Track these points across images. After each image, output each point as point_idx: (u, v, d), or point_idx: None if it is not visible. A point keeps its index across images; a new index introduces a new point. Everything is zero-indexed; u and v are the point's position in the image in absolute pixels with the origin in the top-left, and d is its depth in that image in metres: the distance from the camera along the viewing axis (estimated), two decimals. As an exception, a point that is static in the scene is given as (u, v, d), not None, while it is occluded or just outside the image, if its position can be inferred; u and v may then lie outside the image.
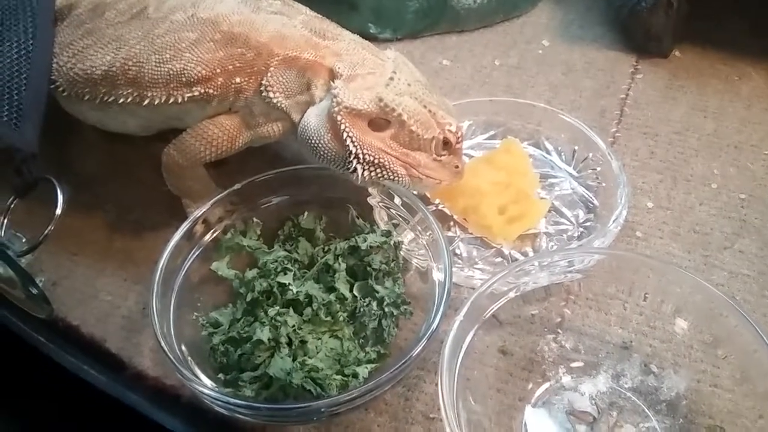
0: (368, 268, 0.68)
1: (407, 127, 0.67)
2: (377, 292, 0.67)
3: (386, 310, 0.66)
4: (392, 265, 0.69)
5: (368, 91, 0.67)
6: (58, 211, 0.65)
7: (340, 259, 0.69)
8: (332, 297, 0.66)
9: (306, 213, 0.74)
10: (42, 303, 0.66)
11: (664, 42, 0.98)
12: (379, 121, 0.68)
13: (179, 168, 0.72)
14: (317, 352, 0.63)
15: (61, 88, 0.75)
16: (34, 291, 0.65)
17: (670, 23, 0.96)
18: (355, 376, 0.62)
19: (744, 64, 0.99)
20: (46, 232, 0.64)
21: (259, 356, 0.62)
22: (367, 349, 0.65)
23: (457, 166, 0.71)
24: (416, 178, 0.70)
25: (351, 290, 0.68)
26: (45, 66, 0.71)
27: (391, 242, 0.69)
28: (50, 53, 0.73)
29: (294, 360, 0.62)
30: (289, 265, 0.69)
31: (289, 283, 0.66)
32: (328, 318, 0.65)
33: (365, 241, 0.69)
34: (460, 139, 0.70)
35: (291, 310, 0.65)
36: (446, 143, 0.69)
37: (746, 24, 1.03)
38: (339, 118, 0.66)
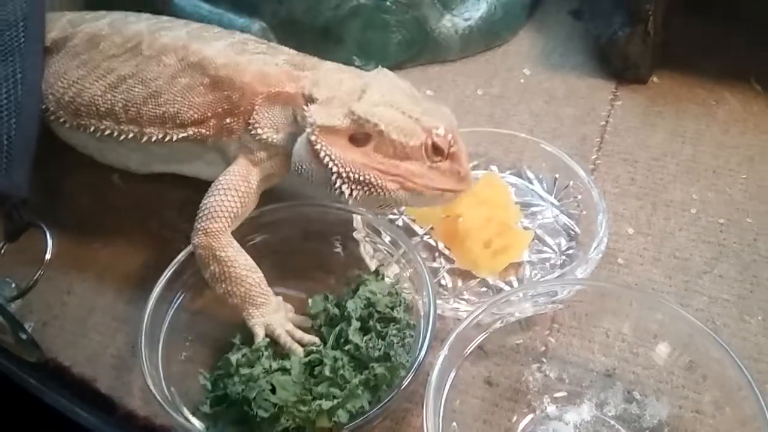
0: (374, 311, 0.68)
1: (387, 135, 0.67)
2: (384, 338, 0.66)
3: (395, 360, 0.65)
4: (397, 309, 0.68)
5: (341, 107, 0.68)
6: (48, 256, 0.66)
7: (352, 317, 0.67)
8: (345, 359, 0.65)
9: (310, 300, 0.71)
10: (31, 348, 0.67)
11: (642, 69, 1.01)
12: (359, 136, 0.68)
13: (214, 247, 0.68)
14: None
15: (62, 119, 0.78)
16: (24, 336, 0.65)
17: (648, 50, 0.98)
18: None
19: (720, 89, 1.01)
20: (35, 277, 0.65)
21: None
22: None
23: (459, 172, 0.70)
24: (414, 191, 0.69)
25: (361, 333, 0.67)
26: (34, 111, 0.72)
27: (396, 290, 0.70)
28: (39, 98, 0.75)
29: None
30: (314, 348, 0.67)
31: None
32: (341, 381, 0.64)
33: (374, 295, 0.68)
34: (452, 143, 0.69)
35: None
36: (437, 148, 0.68)
37: (721, 49, 1.05)
38: (314, 138, 0.67)
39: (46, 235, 0.67)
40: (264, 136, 0.72)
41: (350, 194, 0.68)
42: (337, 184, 0.67)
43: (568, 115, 0.98)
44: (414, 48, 1.06)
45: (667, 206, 0.85)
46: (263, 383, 0.61)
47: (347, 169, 0.67)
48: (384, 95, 0.69)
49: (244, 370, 0.63)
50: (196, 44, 0.75)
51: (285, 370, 0.63)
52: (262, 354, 0.64)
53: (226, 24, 0.97)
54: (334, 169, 0.67)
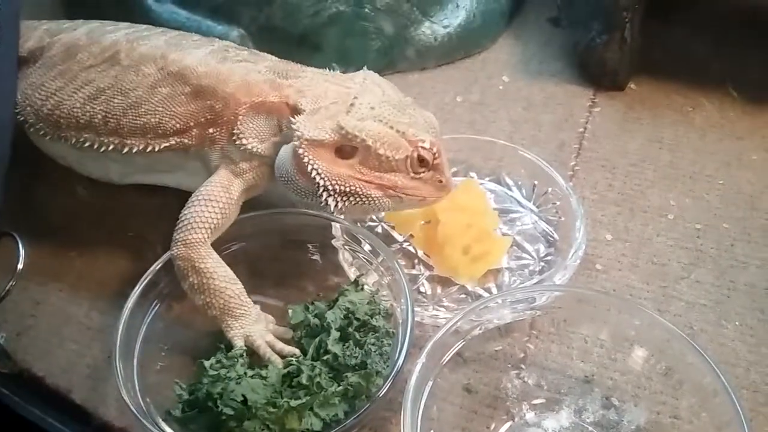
0: (353, 320, 0.67)
1: (373, 150, 0.67)
2: (362, 347, 0.66)
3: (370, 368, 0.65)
4: (376, 318, 0.68)
5: (329, 120, 0.68)
6: (20, 266, 0.65)
7: (332, 327, 0.67)
8: (324, 369, 0.64)
9: (290, 310, 0.70)
10: (4, 359, 0.66)
11: (620, 75, 1.01)
12: (346, 149, 0.68)
13: (193, 259, 0.67)
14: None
15: (42, 131, 0.78)
16: (-5, 347, 0.65)
17: (625, 57, 0.99)
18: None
19: (697, 95, 1.02)
20: (7, 287, 0.65)
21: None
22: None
23: (440, 181, 0.71)
24: (396, 198, 0.70)
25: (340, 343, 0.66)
26: (7, 120, 0.71)
27: (376, 299, 0.69)
28: (13, 105, 0.74)
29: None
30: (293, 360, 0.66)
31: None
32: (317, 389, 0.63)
33: (354, 305, 0.68)
34: (437, 155, 0.70)
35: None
36: (422, 160, 0.69)
37: (698, 56, 1.06)
38: (301, 151, 0.67)
39: (18, 245, 0.66)
40: (249, 147, 0.71)
41: (336, 205, 0.68)
42: (324, 197, 0.68)
43: (546, 121, 0.98)
44: (393, 55, 1.06)
45: (644, 212, 0.85)
46: (232, 384, 0.61)
47: (333, 182, 0.67)
48: (372, 107, 0.69)
49: (215, 372, 0.62)
50: (176, 53, 0.75)
51: (261, 378, 0.63)
52: (237, 361, 0.64)
53: (204, 31, 0.96)
54: (321, 182, 0.67)
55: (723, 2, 1.13)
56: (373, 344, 0.65)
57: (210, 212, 0.69)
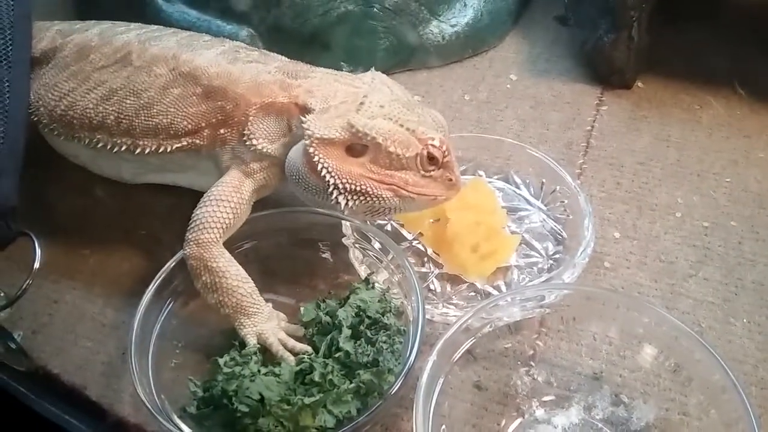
0: (364, 318, 0.68)
1: (384, 148, 0.68)
2: (374, 344, 0.66)
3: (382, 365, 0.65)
4: (387, 316, 0.69)
5: (339, 119, 0.68)
6: (37, 265, 0.66)
7: (343, 324, 0.68)
8: (336, 367, 0.65)
9: (302, 308, 0.71)
10: (21, 357, 0.67)
11: (627, 74, 1.02)
12: (356, 147, 0.69)
13: (206, 258, 0.68)
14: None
15: (56, 132, 0.79)
16: (12, 345, 0.65)
17: (632, 56, 1.00)
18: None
19: (704, 93, 1.02)
20: (24, 286, 0.65)
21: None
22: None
23: (450, 179, 0.71)
24: (407, 198, 0.70)
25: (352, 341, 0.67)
26: (22, 119, 0.72)
27: (386, 297, 0.70)
28: (26, 106, 0.75)
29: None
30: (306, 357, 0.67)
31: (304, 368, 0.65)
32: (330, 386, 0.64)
33: (365, 303, 0.68)
34: (446, 153, 0.70)
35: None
36: (432, 158, 0.69)
37: (705, 54, 1.06)
38: (312, 150, 0.68)
39: (34, 244, 0.67)
40: (259, 147, 0.72)
41: (346, 204, 0.69)
42: (334, 195, 0.68)
43: (554, 120, 0.99)
44: (401, 54, 1.07)
45: (652, 210, 0.86)
46: (247, 381, 0.62)
47: (344, 181, 0.68)
48: (381, 106, 0.70)
49: (229, 369, 0.63)
50: (187, 53, 0.75)
51: (275, 375, 0.64)
52: (251, 359, 0.65)
53: (214, 31, 0.97)
54: (332, 180, 0.68)
55: (730, 1, 1.13)
56: (384, 342, 0.66)
57: (222, 212, 0.70)
